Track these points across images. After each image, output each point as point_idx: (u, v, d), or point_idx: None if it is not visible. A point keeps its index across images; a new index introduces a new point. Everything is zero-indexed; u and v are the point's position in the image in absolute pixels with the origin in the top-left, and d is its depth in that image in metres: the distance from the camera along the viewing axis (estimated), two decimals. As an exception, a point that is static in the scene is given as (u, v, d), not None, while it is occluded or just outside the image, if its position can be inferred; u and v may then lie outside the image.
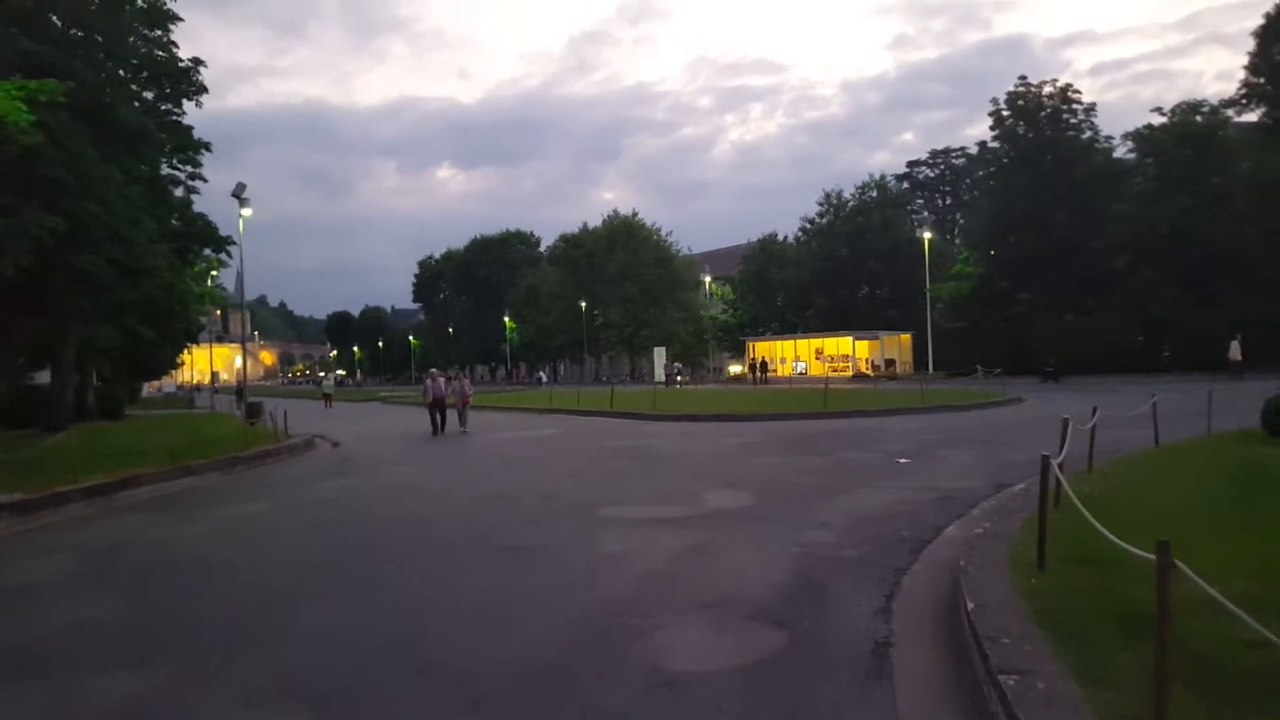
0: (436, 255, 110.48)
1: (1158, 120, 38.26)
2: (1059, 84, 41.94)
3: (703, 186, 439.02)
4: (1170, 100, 39.15)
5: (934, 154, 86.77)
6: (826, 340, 54.02)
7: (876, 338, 50.84)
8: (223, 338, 51.64)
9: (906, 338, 51.24)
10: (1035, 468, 11.89)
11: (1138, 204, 37.05)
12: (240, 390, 47.67)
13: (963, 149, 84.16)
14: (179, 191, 25.46)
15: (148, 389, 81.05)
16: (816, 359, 53.90)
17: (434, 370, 21.71)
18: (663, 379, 63.14)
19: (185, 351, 59.15)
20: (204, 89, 24.02)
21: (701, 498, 9.72)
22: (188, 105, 24.59)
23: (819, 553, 6.86)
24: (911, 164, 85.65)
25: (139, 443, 17.51)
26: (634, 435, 18.67)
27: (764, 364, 51.02)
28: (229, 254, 25.20)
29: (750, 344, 57.66)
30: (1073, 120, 41.68)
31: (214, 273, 42.59)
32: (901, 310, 53.46)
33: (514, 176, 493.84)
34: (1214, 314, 34.17)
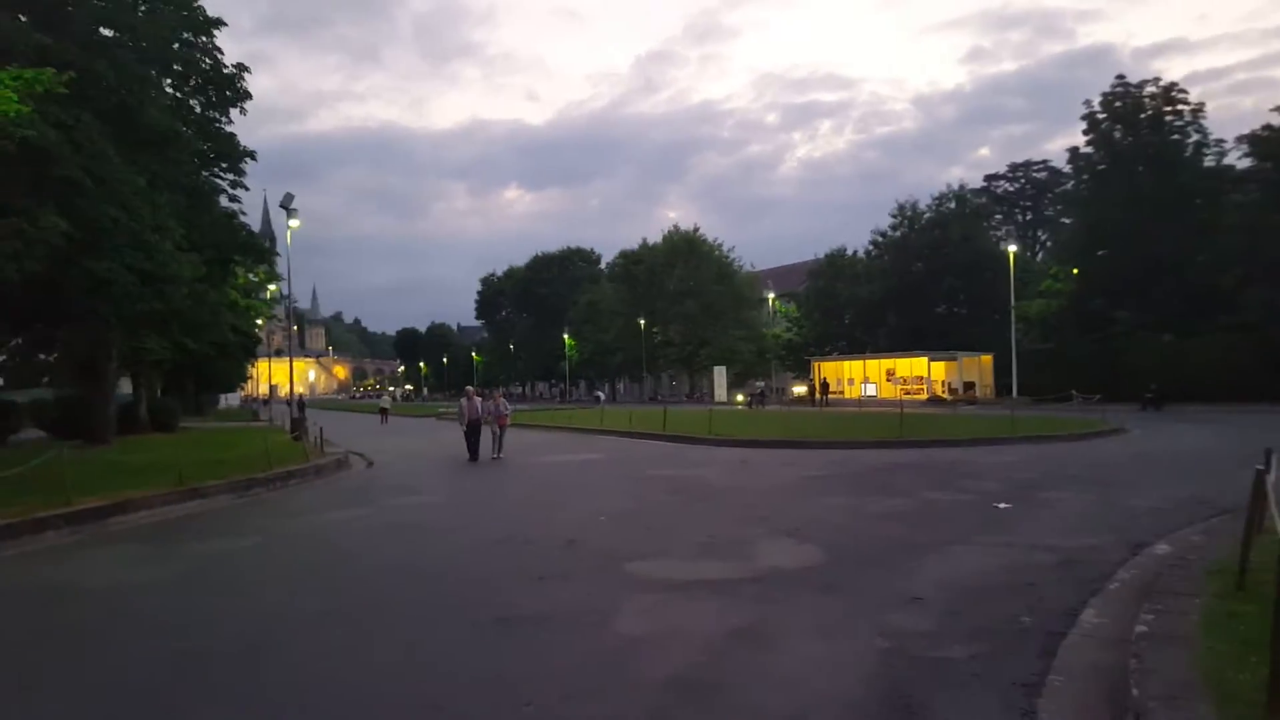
0: (499, 273, 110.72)
1: (1278, 121, 34.70)
2: (1161, 83, 38.60)
3: (769, 204, 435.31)
4: (1268, 113, 35.30)
5: (1013, 167, 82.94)
6: (899, 361, 51.06)
7: (954, 358, 47.74)
8: (281, 351, 51.53)
9: (987, 359, 48.00)
10: (1169, 519, 9.69)
11: (1253, 213, 33.60)
12: (302, 404, 47.59)
13: (1044, 162, 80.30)
14: (223, 201, 24.96)
15: (225, 401, 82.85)
16: (887, 380, 51.02)
17: (470, 389, 19.97)
18: (723, 398, 61.12)
19: (250, 365, 59.71)
20: (248, 95, 23.39)
21: (755, 550, 7.87)
22: (236, 116, 24.10)
23: (912, 649, 4.96)
24: (989, 178, 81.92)
25: (169, 459, 16.59)
26: (684, 463, 16.84)
27: (825, 385, 48.47)
28: (271, 265, 24.38)
29: (815, 364, 55.08)
30: (1177, 123, 38.24)
31: (272, 286, 42.57)
32: (981, 330, 50.23)
33: (580, 196, 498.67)
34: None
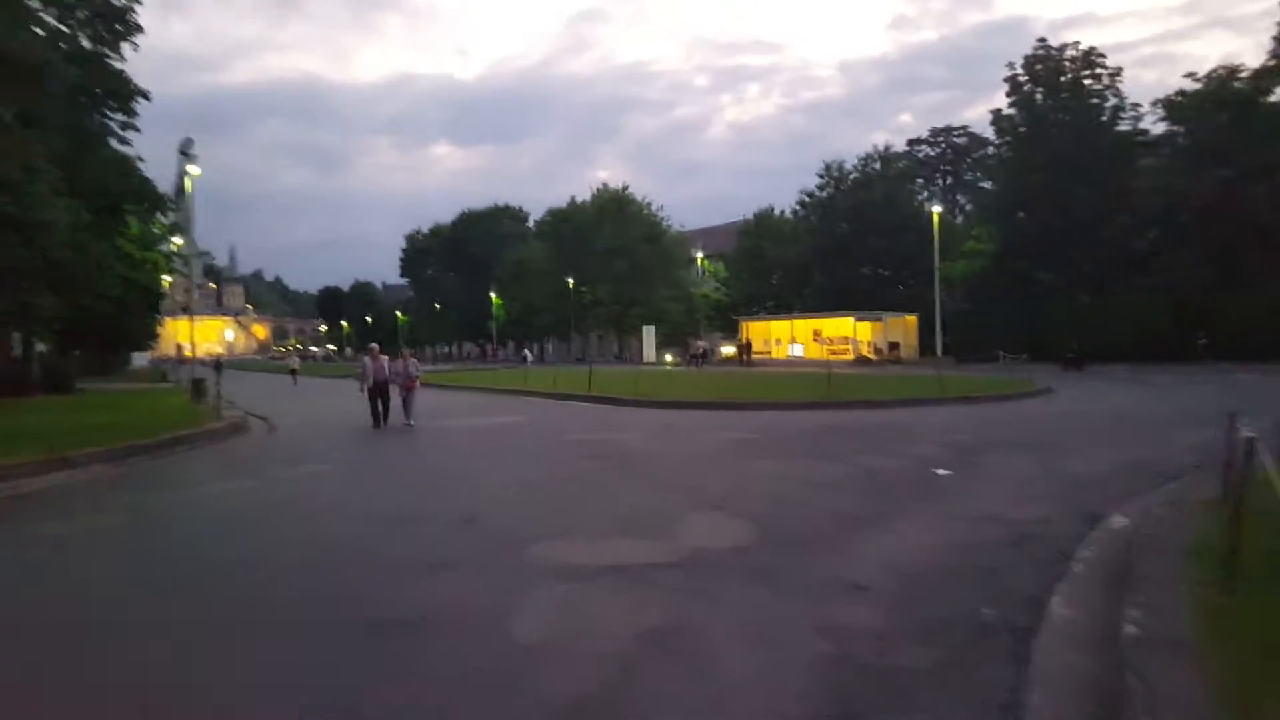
0: (425, 230, 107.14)
1: (1191, 86, 35.22)
2: (1081, 47, 38.80)
3: (699, 167, 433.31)
4: (1171, 86, 36.16)
5: (935, 132, 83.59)
6: (825, 321, 51.10)
7: (880, 319, 47.98)
8: (188, 308, 48.37)
9: (912, 319, 48.40)
10: (1116, 486, 9.07)
11: (1167, 177, 34.17)
12: (219, 364, 44.79)
13: (964, 127, 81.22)
14: (116, 146, 22.56)
15: (135, 361, 78.04)
16: (814, 341, 51.08)
17: (373, 347, 17.29)
18: (652, 359, 60.44)
19: (158, 322, 56.03)
20: (139, 28, 21.05)
21: (678, 527, 6.99)
22: (143, 60, 21.72)
23: (859, 654, 4.14)
24: (912, 142, 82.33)
25: (48, 424, 14.90)
26: (608, 426, 15.92)
27: (749, 345, 48.39)
28: (167, 213, 22.28)
29: (743, 324, 54.78)
30: (1095, 88, 38.56)
31: (177, 239, 39.58)
32: (907, 290, 50.59)
33: (510, 154, 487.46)
34: (1252, 297, 31.47)
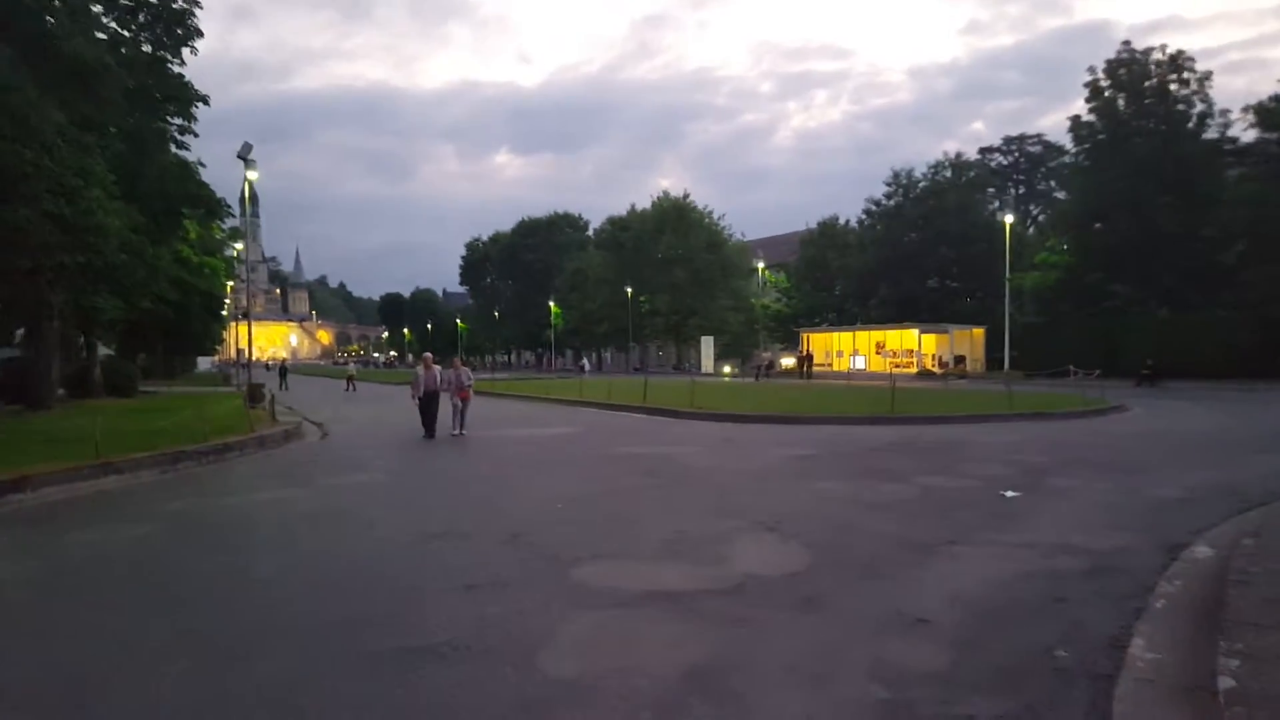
0: (485, 238, 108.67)
1: (1284, 92, 33.37)
2: (1168, 51, 37.12)
3: (763, 175, 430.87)
4: (1263, 92, 34.35)
5: (1008, 140, 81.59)
6: (889, 332, 50.04)
7: (945, 331, 46.70)
8: (249, 313, 49.92)
9: (979, 332, 47.00)
10: (1199, 513, 8.46)
11: (1257, 187, 32.40)
12: (283, 369, 46.08)
13: (1039, 135, 78.96)
14: (174, 150, 23.27)
15: (210, 365, 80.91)
16: (877, 353, 50.03)
17: (427, 356, 17.06)
18: (710, 369, 59.96)
19: (222, 326, 57.95)
20: (199, 33, 21.68)
21: (729, 550, 6.70)
22: (207, 66, 22.46)
23: (920, 703, 3.79)
24: (984, 150, 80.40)
25: (105, 428, 15.28)
26: (662, 439, 15.67)
27: (810, 357, 47.45)
28: (221, 219, 22.83)
29: (804, 335, 53.95)
30: (1182, 93, 36.85)
31: (238, 246, 40.84)
32: (974, 303, 49.19)
33: (572, 163, 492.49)
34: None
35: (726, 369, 59.99)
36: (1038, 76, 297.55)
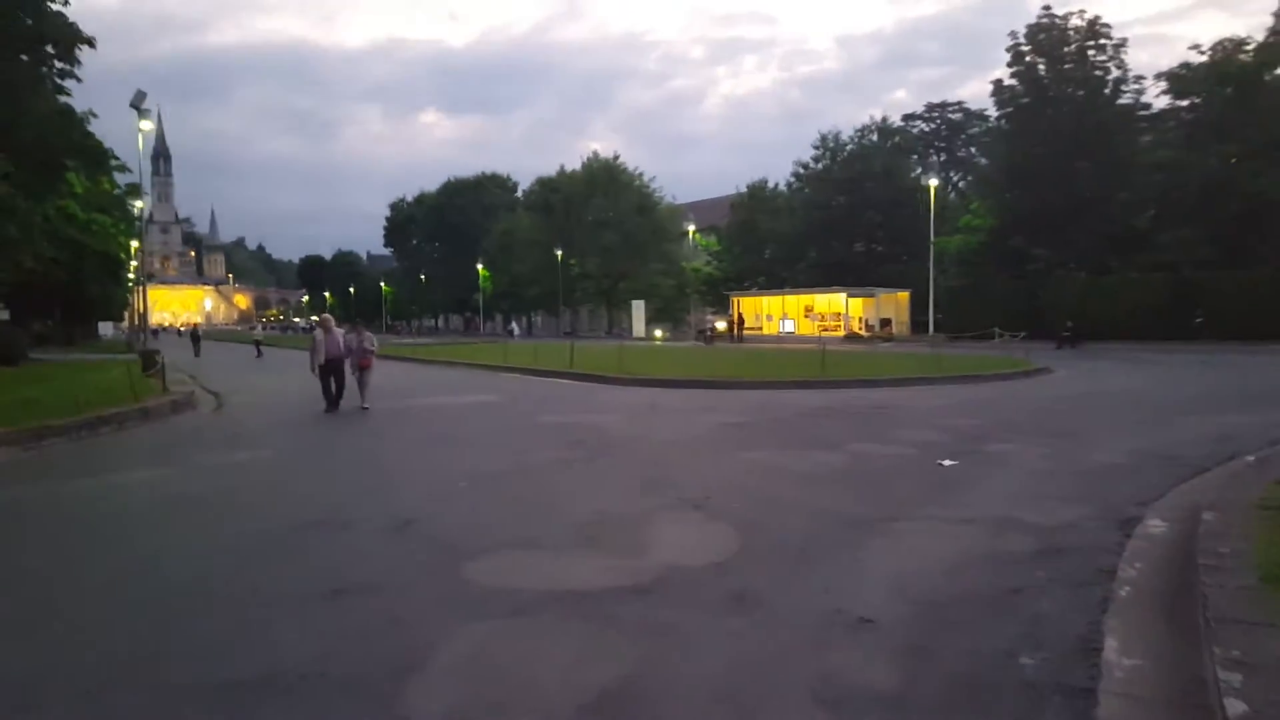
0: (410, 198, 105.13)
1: (1195, 59, 34.03)
2: (1087, 16, 37.42)
3: (693, 140, 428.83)
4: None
5: (930, 107, 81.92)
6: (817, 296, 50.12)
7: (872, 295, 46.99)
8: (153, 276, 46.71)
9: (904, 296, 47.44)
10: (1142, 481, 7.82)
11: (1170, 153, 33.08)
12: (195, 335, 43.34)
13: (960, 103, 79.71)
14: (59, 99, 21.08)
15: (105, 332, 76.16)
16: (806, 317, 50.11)
17: (326, 318, 14.91)
18: (641, 334, 59.30)
19: (125, 291, 54.37)
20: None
21: (651, 534, 5.96)
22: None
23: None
24: (907, 117, 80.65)
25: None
26: (587, 407, 14.89)
27: (741, 320, 47.26)
28: (107, 171, 20.83)
29: (734, 299, 53.68)
30: (1099, 59, 37.27)
31: (138, 204, 38.05)
32: (900, 267, 49.56)
33: (501, 124, 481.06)
34: (1254, 276, 30.57)
35: (658, 333, 59.45)
36: (958, 46, 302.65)
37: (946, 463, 8.70)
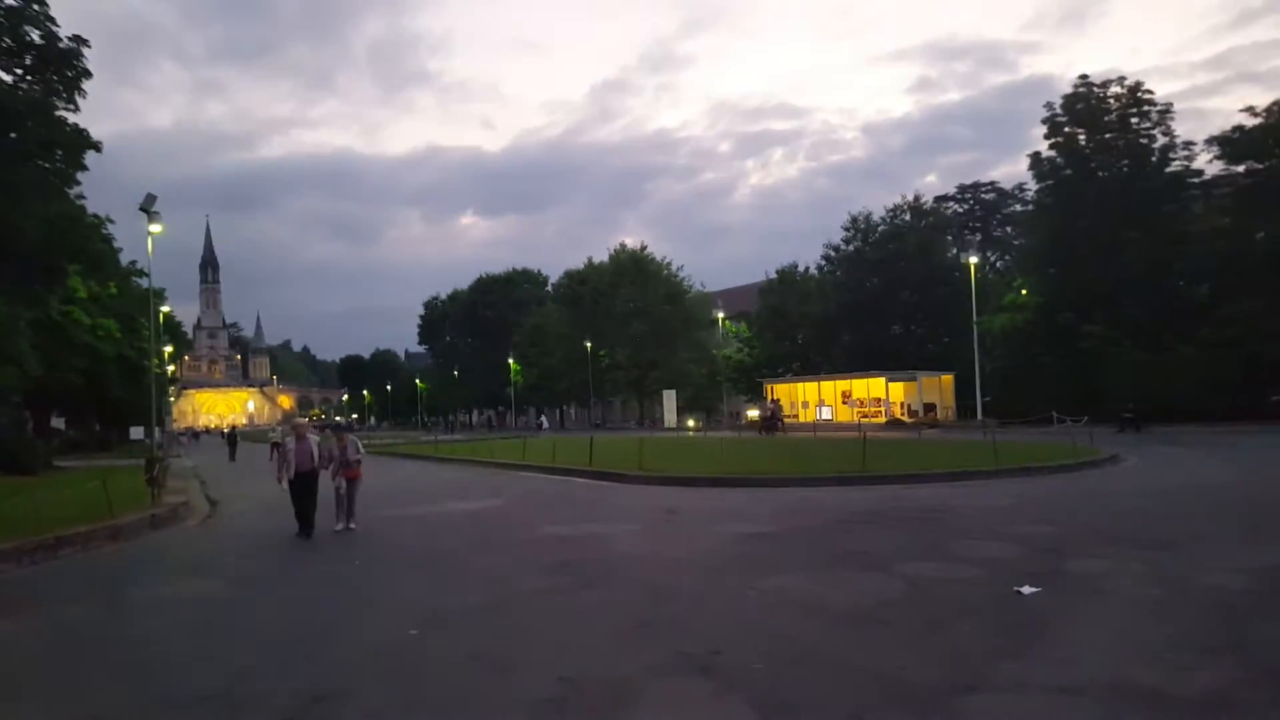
0: (443, 295, 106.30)
1: (1249, 121, 32.55)
2: (1127, 83, 36.34)
3: (723, 231, 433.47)
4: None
5: (962, 189, 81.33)
6: (854, 381, 48.22)
7: (913, 378, 44.96)
8: (176, 380, 46.71)
9: (948, 379, 45.34)
10: None
11: (1227, 220, 31.33)
12: (234, 436, 42.60)
13: (992, 183, 78.98)
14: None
15: (142, 435, 76.34)
16: (844, 403, 48.12)
17: (300, 422, 12.85)
18: (673, 423, 57.58)
19: (164, 394, 54.44)
20: (87, 74, 19.53)
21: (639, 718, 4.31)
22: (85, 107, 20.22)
23: None
24: (939, 199, 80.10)
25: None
26: (595, 513, 13.26)
27: (777, 406, 41.98)
28: (108, 275, 20.35)
29: (768, 386, 51.96)
30: (1143, 126, 35.99)
31: (165, 308, 38.08)
32: (941, 348, 47.64)
33: (536, 223, 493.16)
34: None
35: (691, 422, 57.71)
36: (986, 130, 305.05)
37: (1026, 590, 6.90)
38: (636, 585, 7.71)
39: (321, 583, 8.74)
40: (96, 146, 19.95)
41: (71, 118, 19.81)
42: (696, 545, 9.85)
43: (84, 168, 19.86)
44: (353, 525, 11.82)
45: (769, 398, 46.61)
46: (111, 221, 23.26)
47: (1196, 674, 4.79)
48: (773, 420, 39.00)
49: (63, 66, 19.89)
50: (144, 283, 34.49)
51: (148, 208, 22.49)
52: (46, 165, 18.94)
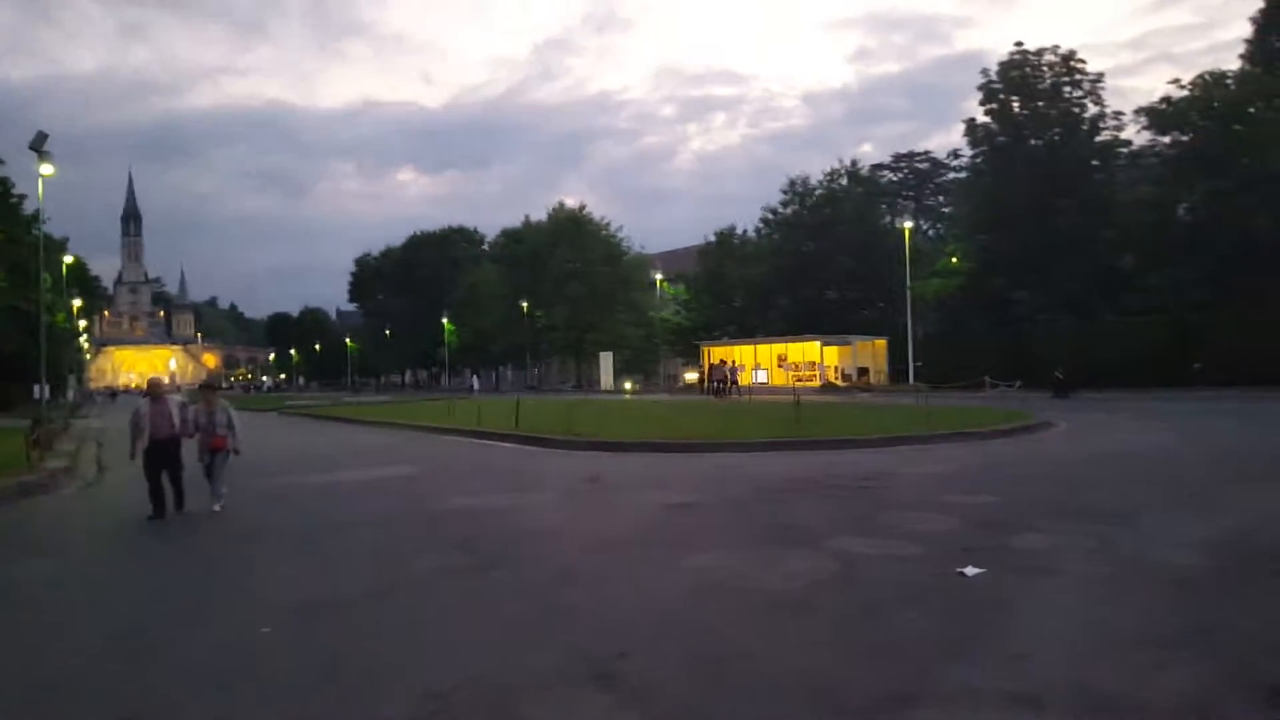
0: (375, 253, 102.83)
1: (1176, 93, 32.83)
2: (1060, 51, 36.31)
3: (665, 195, 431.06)
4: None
5: (897, 157, 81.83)
6: (790, 345, 48.10)
7: (848, 343, 45.01)
8: (101, 338, 43.87)
9: (881, 343, 45.53)
10: (1249, 598, 5.18)
11: (1153, 189, 31.66)
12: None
13: (926, 152, 79.64)
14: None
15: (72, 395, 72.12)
16: (779, 366, 48.00)
17: (154, 381, 10.76)
18: (609, 386, 56.85)
19: (75, 352, 51.24)
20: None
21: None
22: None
23: None
24: (875, 168, 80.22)
25: None
26: (513, 482, 12.38)
27: (732, 374, 40.04)
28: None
29: (705, 349, 51.54)
30: (1075, 95, 36.09)
31: (67, 259, 35.40)
32: (877, 313, 47.77)
33: (477, 181, 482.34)
34: (1253, 318, 28.86)
35: (628, 385, 57.05)
36: (921, 101, 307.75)
37: (969, 571, 6.27)
38: (539, 566, 6.85)
39: (175, 567, 7.64)
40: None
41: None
42: (616, 518, 9.05)
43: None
44: (216, 507, 9.75)
45: (723, 361, 44.54)
46: (1, 162, 21.05)
47: (1165, 673, 4.18)
48: (725, 383, 37.88)
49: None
50: (52, 232, 31.99)
51: (38, 146, 20.45)
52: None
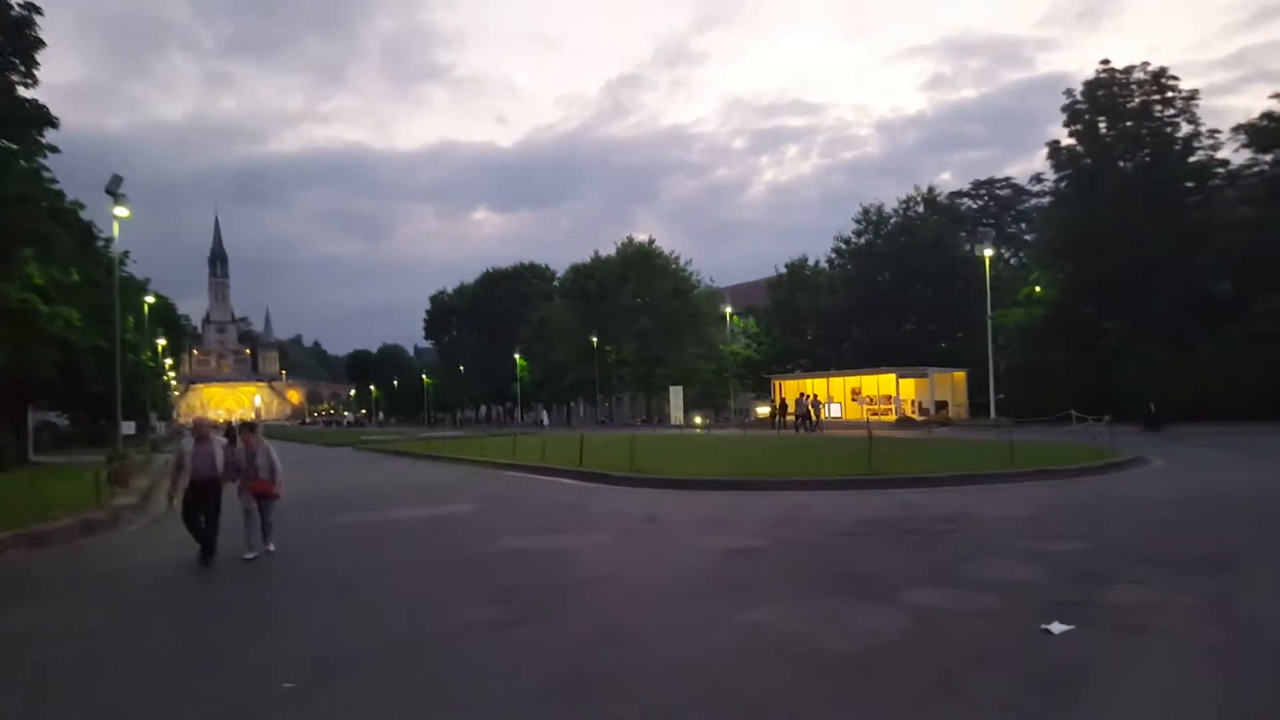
0: (449, 290, 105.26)
1: (1278, 108, 30.85)
2: (1150, 69, 34.64)
3: (737, 227, 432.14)
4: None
5: (977, 184, 79.28)
6: (865, 378, 46.73)
7: (925, 375, 43.44)
8: (189, 376, 45.77)
9: (960, 376, 43.80)
10: None
11: (1254, 212, 29.72)
12: (230, 431, 41.72)
13: (1007, 179, 77.07)
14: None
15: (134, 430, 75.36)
16: (853, 400, 46.65)
17: (201, 421, 10.40)
18: (679, 420, 56.23)
19: (157, 390, 53.56)
20: (40, 44, 18.42)
21: None
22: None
23: None
24: (953, 195, 78.26)
25: None
26: (571, 521, 12.01)
27: (784, 406, 41.18)
28: (54, 258, 19.25)
29: (776, 382, 50.54)
30: (1167, 113, 34.32)
31: (149, 298, 37.05)
32: (954, 344, 46.07)
33: (550, 218, 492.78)
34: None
35: (698, 419, 56.39)
36: (1000, 127, 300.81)
37: (1055, 629, 5.60)
38: (582, 620, 6.42)
39: (206, 612, 7.47)
40: (54, 122, 18.87)
41: (29, 93, 18.77)
42: (670, 564, 8.56)
43: (42, 146, 18.77)
44: (249, 555, 9.34)
45: (804, 394, 43.96)
46: (82, 206, 22.18)
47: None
48: (808, 417, 37.15)
49: (15, 36, 18.81)
50: (132, 272, 33.56)
51: (113, 189, 21.42)
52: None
